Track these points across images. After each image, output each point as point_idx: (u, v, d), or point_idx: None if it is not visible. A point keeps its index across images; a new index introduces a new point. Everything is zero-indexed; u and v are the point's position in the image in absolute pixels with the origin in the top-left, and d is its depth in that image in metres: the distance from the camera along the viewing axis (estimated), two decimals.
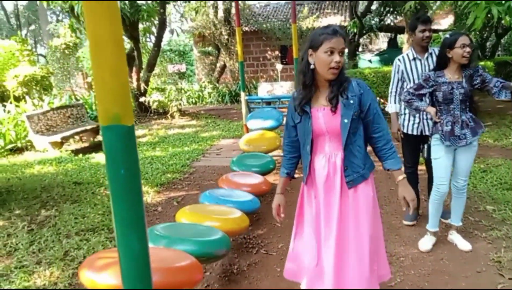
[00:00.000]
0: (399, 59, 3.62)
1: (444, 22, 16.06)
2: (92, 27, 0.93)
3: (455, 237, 3.30)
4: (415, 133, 3.58)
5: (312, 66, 2.02)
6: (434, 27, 14.41)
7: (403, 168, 2.21)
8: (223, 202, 3.50)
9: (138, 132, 9.36)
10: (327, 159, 2.08)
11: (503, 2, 3.60)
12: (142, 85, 11.75)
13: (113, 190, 1.01)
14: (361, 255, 2.05)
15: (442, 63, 3.06)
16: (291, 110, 2.17)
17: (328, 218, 2.09)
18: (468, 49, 2.90)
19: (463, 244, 3.22)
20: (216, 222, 2.97)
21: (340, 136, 2.05)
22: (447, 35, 3.05)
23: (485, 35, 14.06)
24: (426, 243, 3.28)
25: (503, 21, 4.29)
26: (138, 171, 1.01)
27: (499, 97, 3.02)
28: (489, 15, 3.77)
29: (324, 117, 2.04)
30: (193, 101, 14.87)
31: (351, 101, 2.02)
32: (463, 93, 2.97)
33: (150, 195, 4.97)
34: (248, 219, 3.28)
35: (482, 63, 8.98)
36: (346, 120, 2.01)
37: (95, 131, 8.58)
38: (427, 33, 3.44)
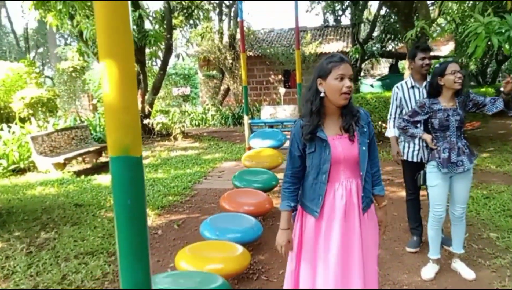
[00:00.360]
0: (397, 87, 3.67)
1: (445, 48, 16.24)
2: (107, 62, 0.96)
3: (458, 265, 3.26)
4: (415, 160, 3.59)
5: (322, 94, 2.04)
6: (435, 53, 14.61)
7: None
8: (224, 233, 3.46)
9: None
10: (344, 187, 2.07)
11: (503, 32, 3.66)
12: (147, 108, 11.87)
13: (118, 220, 1.02)
14: (371, 277, 2.15)
15: (434, 92, 3.10)
16: (297, 139, 2.12)
17: (347, 247, 2.07)
18: (459, 75, 2.96)
19: (467, 273, 3.18)
20: (217, 265, 2.94)
21: (355, 164, 2.08)
22: (437, 65, 3.12)
23: (485, 61, 14.21)
24: (428, 271, 3.24)
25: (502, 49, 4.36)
26: (144, 202, 1.03)
27: (492, 110, 3.07)
28: (489, 43, 3.83)
29: (341, 145, 2.06)
30: (197, 123, 14.97)
31: (365, 129, 2.11)
32: (458, 120, 3.02)
33: (150, 218, 4.95)
34: (250, 254, 3.25)
35: (483, 89, 9.04)
36: (364, 148, 2.08)
37: (98, 153, 8.61)
38: (426, 61, 3.49)
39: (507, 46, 3.67)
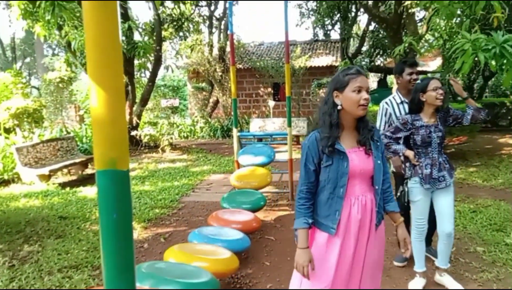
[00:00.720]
0: (386, 102, 3.69)
1: (433, 64, 16.55)
2: (95, 74, 0.95)
3: (445, 279, 3.26)
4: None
5: (339, 107, 2.03)
6: (423, 68, 14.86)
7: None
8: (213, 241, 3.45)
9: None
10: (360, 202, 2.04)
11: (490, 48, 3.72)
12: (135, 119, 11.81)
13: (103, 234, 1.00)
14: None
15: (415, 108, 3.14)
16: (312, 153, 2.05)
17: (358, 264, 2.06)
18: (441, 91, 2.99)
19: (454, 286, 3.18)
20: (205, 263, 2.92)
21: (369, 178, 2.07)
22: (419, 81, 3.16)
23: (472, 77, 14.49)
24: (415, 285, 3.24)
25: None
26: (130, 216, 1.01)
27: (468, 120, 3.12)
28: (476, 59, 3.89)
29: (358, 158, 2.04)
30: (185, 135, 14.91)
31: (378, 143, 2.11)
32: (440, 136, 3.06)
33: (137, 231, 4.88)
34: (238, 259, 3.24)
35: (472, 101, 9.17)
36: (379, 162, 2.07)
37: (84, 164, 8.50)
38: (414, 76, 3.54)
39: (493, 62, 3.73)
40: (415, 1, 8.22)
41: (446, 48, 8.00)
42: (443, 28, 8.58)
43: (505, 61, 3.70)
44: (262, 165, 5.81)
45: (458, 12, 5.07)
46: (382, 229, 2.16)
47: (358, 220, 2.03)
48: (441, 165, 3.07)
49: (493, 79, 15.80)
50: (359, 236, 2.04)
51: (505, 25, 6.15)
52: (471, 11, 4.42)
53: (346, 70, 2.06)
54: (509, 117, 14.24)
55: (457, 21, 6.41)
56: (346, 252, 2.03)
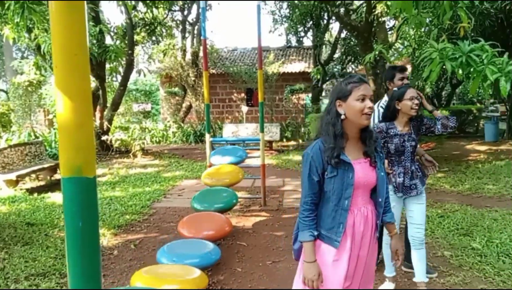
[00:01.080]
0: (381, 106, 3.68)
1: None
2: (61, 81, 0.93)
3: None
4: None
5: (343, 116, 1.98)
6: None
7: None
8: (181, 259, 3.38)
9: (98, 171, 9.08)
10: (362, 213, 2.01)
11: (457, 57, 3.84)
12: (106, 124, 11.59)
13: (69, 242, 0.97)
14: None
15: (390, 115, 3.16)
16: (317, 163, 1.98)
17: (358, 274, 2.05)
18: (416, 101, 3.03)
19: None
20: (174, 285, 2.85)
21: (370, 190, 2.05)
22: (396, 88, 3.21)
23: (440, 85, 14.95)
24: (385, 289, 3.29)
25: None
26: (96, 224, 0.98)
27: (439, 129, 3.19)
28: (444, 67, 4.01)
29: (362, 169, 2.00)
30: (157, 140, 14.72)
31: (381, 154, 2.09)
32: (414, 145, 3.10)
33: (106, 238, 4.78)
34: (207, 277, 3.19)
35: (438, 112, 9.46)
36: (382, 173, 2.05)
37: (53, 170, 8.27)
38: (405, 81, 3.62)
39: (460, 71, 3.85)
40: (386, 10, 8.43)
41: (415, 57, 8.23)
42: (412, 37, 8.84)
43: (471, 70, 3.84)
44: (234, 164, 5.79)
45: (427, 21, 5.23)
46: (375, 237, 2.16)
47: (361, 232, 2.00)
48: (414, 174, 3.11)
49: (460, 87, 16.34)
50: (361, 247, 2.01)
51: (472, 34, 6.39)
52: (439, 21, 4.57)
53: (348, 78, 2.02)
54: (476, 124, 14.76)
55: (426, 30, 6.61)
56: (351, 265, 2.00)
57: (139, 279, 2.93)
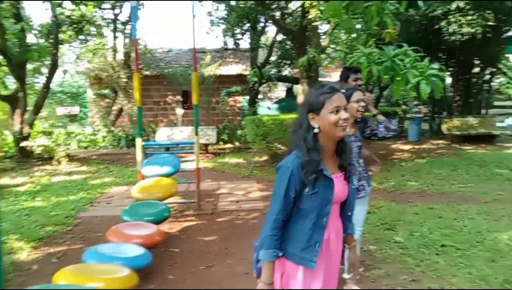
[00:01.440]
0: None
1: (336, 75, 17.59)
2: None
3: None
4: None
5: (316, 130, 1.84)
6: (325, 79, 15.72)
7: None
8: (110, 259, 3.21)
9: (17, 180, 8.43)
10: (334, 229, 1.93)
11: (383, 61, 3.99)
12: (26, 128, 10.79)
13: None
14: None
15: None
16: (296, 178, 1.81)
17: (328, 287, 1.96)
18: (362, 104, 3.10)
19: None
20: (100, 283, 2.69)
21: (340, 204, 1.97)
22: (343, 90, 3.25)
23: (369, 88, 15.69)
24: None
25: None
26: None
27: (382, 133, 3.30)
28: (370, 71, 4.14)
29: (338, 184, 1.89)
30: (85, 146, 13.91)
31: (352, 166, 2.02)
32: (359, 146, 3.16)
33: (25, 252, 4.43)
34: (137, 276, 3.05)
35: (366, 113, 9.88)
36: (353, 187, 2.01)
37: None
38: (359, 82, 3.70)
39: (385, 76, 4.00)
40: (319, 15, 8.66)
41: (347, 60, 8.53)
42: (344, 41, 9.16)
43: (395, 73, 4.00)
44: (167, 175, 5.57)
45: (358, 26, 5.41)
46: None
47: (335, 249, 1.94)
48: (361, 175, 3.16)
49: (387, 90, 17.24)
50: (331, 264, 1.93)
51: (400, 40, 6.71)
52: (367, 26, 4.73)
53: (319, 88, 1.87)
54: (401, 125, 15.63)
55: (356, 35, 6.85)
56: (327, 284, 1.92)
57: (63, 277, 2.78)
